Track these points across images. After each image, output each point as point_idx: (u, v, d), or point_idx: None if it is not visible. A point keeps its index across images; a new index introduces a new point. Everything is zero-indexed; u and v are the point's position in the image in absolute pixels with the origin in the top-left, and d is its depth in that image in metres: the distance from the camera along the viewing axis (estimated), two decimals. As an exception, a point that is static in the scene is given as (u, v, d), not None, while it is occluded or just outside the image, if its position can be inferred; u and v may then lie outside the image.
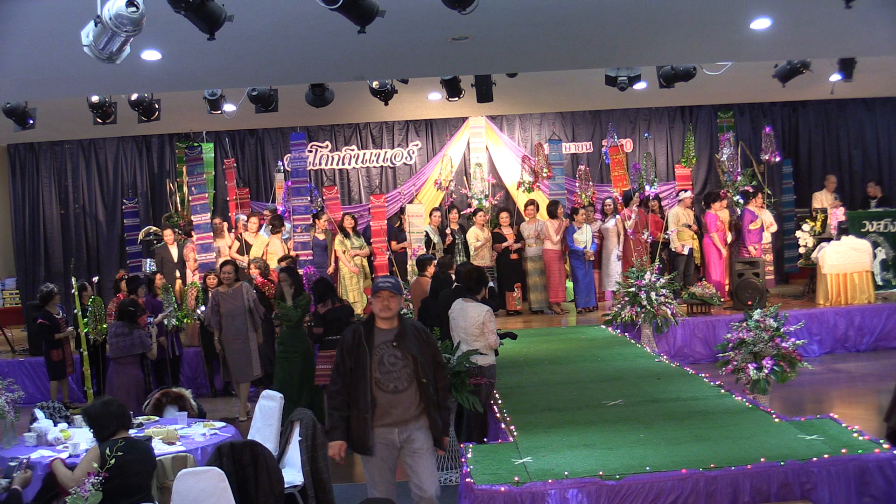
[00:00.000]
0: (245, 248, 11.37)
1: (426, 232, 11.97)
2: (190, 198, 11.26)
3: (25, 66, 7.34)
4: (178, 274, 11.28)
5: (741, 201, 11.80)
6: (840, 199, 12.81)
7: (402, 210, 12.72)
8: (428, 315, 7.66)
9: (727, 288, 11.29)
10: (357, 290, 11.50)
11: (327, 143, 14.06)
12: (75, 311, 9.42)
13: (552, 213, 11.91)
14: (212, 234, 11.12)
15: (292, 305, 8.27)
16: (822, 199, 12.96)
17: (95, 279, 10.93)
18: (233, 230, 11.86)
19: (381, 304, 4.57)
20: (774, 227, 12.02)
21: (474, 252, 11.77)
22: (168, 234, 11.54)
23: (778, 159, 12.53)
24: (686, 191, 12.07)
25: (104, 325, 9.31)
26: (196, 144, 12.24)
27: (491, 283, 10.05)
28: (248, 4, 6.01)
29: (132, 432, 5.61)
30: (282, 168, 13.23)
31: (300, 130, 12.90)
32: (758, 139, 13.23)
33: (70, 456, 5.27)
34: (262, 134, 14.02)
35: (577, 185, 13.10)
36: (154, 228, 12.55)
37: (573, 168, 13.65)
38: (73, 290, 9.50)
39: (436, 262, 9.09)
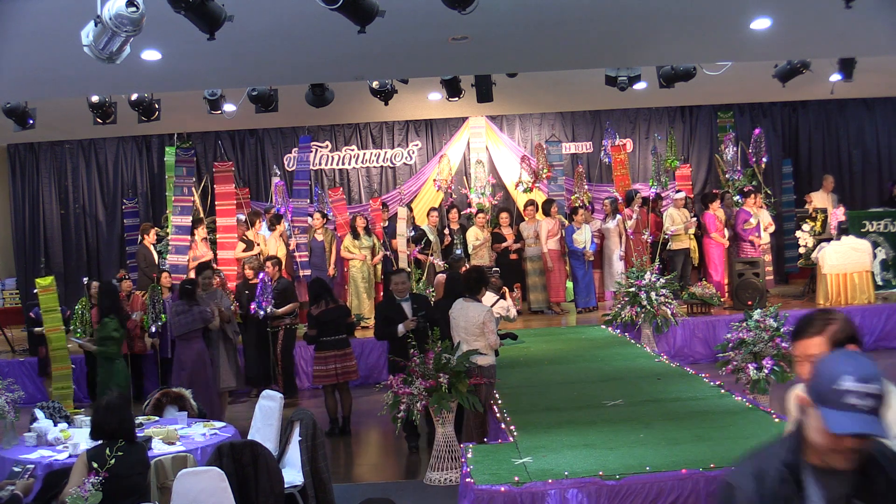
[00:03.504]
0: (249, 248, 11.31)
1: (424, 231, 11.94)
2: (174, 198, 11.19)
3: (25, 66, 7.33)
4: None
5: (741, 201, 11.79)
6: (839, 199, 12.76)
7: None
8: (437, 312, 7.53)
9: (727, 288, 11.29)
10: (368, 293, 11.31)
11: (327, 143, 14.05)
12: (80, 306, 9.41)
13: (546, 211, 11.92)
14: (188, 237, 10.95)
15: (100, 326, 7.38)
16: (818, 199, 12.87)
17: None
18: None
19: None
20: (773, 228, 12.00)
21: (473, 251, 11.76)
22: (151, 234, 11.28)
23: (764, 161, 12.47)
24: (679, 191, 12.07)
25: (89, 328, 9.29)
26: (190, 146, 12.20)
27: (496, 268, 10.06)
28: (248, 4, 6.00)
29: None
30: (277, 171, 13.11)
31: (307, 132, 12.82)
32: (757, 139, 13.23)
33: (70, 456, 5.27)
34: (262, 134, 14.00)
35: (574, 185, 13.10)
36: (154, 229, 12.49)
37: (573, 168, 13.65)
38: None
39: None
